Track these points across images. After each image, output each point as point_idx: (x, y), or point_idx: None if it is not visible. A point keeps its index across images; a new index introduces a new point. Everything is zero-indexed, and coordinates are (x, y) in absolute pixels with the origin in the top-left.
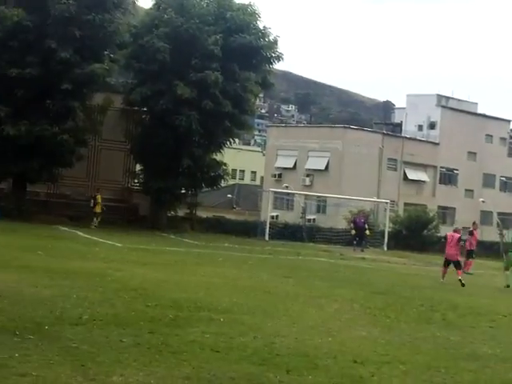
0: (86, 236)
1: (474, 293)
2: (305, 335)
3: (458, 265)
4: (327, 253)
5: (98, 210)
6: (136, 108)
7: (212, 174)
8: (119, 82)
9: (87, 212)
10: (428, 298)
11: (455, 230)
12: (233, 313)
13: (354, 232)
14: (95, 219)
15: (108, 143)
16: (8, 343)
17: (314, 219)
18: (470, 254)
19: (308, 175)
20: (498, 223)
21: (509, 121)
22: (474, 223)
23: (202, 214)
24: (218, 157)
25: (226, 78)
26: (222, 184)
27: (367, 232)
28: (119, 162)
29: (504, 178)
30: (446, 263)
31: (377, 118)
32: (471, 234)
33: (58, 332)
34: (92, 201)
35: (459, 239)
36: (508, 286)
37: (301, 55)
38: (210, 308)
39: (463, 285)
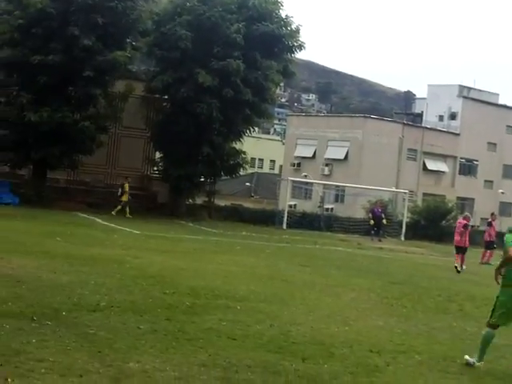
0: (105, 223)
1: (492, 284)
2: (321, 324)
3: (459, 250)
4: (345, 242)
5: (124, 198)
6: (157, 96)
7: (231, 163)
8: (141, 70)
9: (107, 199)
10: (445, 288)
11: (464, 218)
12: (250, 301)
13: (372, 222)
14: (119, 207)
15: (128, 131)
16: (26, 329)
17: (332, 208)
18: (489, 246)
19: (327, 164)
20: None
21: None
22: (492, 214)
23: (221, 202)
24: (237, 145)
25: (247, 67)
26: (241, 172)
27: (384, 222)
28: (139, 149)
29: None
30: (456, 250)
31: (397, 108)
32: (490, 224)
33: (76, 318)
34: (120, 189)
35: (465, 226)
36: None
37: (322, 44)
38: (228, 296)
39: (458, 272)
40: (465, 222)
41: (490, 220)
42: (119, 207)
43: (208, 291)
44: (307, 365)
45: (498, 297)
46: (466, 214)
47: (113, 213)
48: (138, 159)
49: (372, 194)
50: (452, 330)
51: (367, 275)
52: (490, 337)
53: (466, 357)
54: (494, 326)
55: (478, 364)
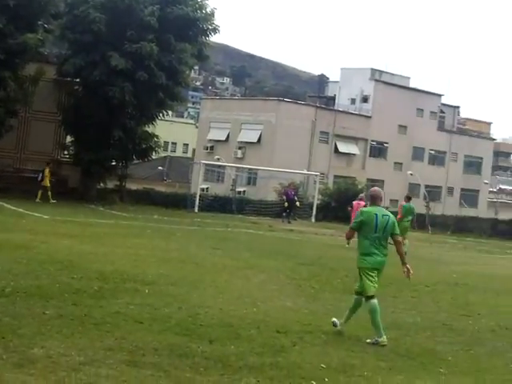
0: (13, 208)
1: (399, 263)
2: (230, 306)
3: None
4: (256, 224)
5: (46, 183)
6: (69, 79)
7: (143, 146)
8: (53, 53)
9: (15, 184)
10: (353, 268)
11: (361, 199)
12: (159, 284)
13: (286, 204)
14: (40, 193)
15: (39, 114)
16: None
17: (244, 191)
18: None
19: (240, 148)
20: (425, 196)
21: (440, 95)
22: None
23: (132, 186)
24: (150, 129)
25: (161, 50)
26: (154, 156)
27: (297, 204)
28: (50, 133)
29: (433, 152)
30: None
31: (311, 91)
32: None
33: None
34: (40, 174)
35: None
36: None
37: (237, 28)
38: (136, 280)
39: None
40: (362, 203)
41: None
42: (40, 192)
43: (117, 275)
44: (214, 346)
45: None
46: (361, 195)
47: (37, 200)
48: (49, 143)
49: (284, 177)
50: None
51: (277, 257)
52: (359, 303)
53: (333, 319)
54: (359, 293)
55: (380, 340)
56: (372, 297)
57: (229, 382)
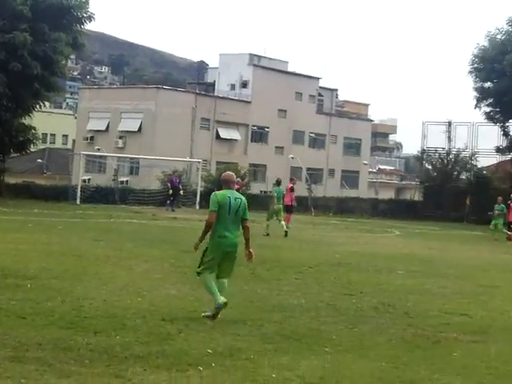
0: None
1: (283, 246)
2: (114, 297)
3: (288, 210)
4: (139, 214)
5: None
6: None
7: (20, 139)
8: None
9: None
10: (238, 253)
11: (291, 181)
12: (41, 278)
13: (170, 192)
14: None
15: None
16: None
17: (127, 181)
18: (289, 209)
19: (121, 137)
20: (306, 178)
21: (318, 78)
22: (292, 179)
23: (11, 180)
24: (27, 121)
25: (35, 39)
26: (32, 149)
27: (181, 192)
28: None
29: (313, 135)
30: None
31: (191, 78)
32: (292, 190)
33: None
34: None
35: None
36: (268, 235)
37: (115, 16)
38: (17, 275)
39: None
40: (291, 184)
41: (291, 185)
42: None
43: None
44: (99, 338)
45: (207, 247)
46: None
47: None
48: None
49: (166, 165)
50: (243, 294)
51: (161, 245)
52: (209, 281)
53: (204, 313)
54: (204, 272)
55: (220, 301)
56: (199, 274)
57: (114, 372)
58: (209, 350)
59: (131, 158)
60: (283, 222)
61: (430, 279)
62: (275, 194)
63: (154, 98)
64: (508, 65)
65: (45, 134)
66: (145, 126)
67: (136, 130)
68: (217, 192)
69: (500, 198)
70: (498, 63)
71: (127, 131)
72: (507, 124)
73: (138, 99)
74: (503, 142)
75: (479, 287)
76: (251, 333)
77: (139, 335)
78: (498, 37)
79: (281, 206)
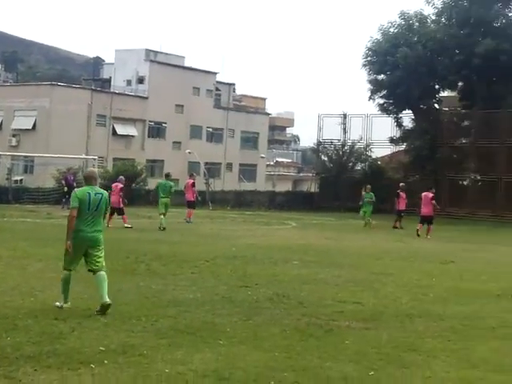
0: None
1: (180, 241)
2: (5, 297)
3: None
4: (34, 213)
5: None
6: None
7: None
8: None
9: None
10: (133, 250)
11: (191, 177)
12: None
13: (66, 189)
14: None
15: None
16: None
17: (21, 180)
18: (191, 205)
19: (14, 135)
20: (204, 173)
21: (215, 73)
22: (191, 175)
23: None
24: None
25: None
26: None
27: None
28: None
29: (210, 129)
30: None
31: (86, 74)
32: (193, 185)
33: None
34: None
35: (192, 184)
36: (164, 229)
37: (5, 12)
38: None
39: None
40: (192, 180)
41: (192, 181)
42: None
43: None
44: None
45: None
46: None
47: None
48: None
49: (61, 163)
50: (139, 290)
51: (55, 244)
52: (67, 279)
53: (56, 303)
54: (68, 269)
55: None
56: (66, 268)
57: (4, 374)
58: (102, 348)
59: (25, 157)
60: (162, 217)
61: (325, 269)
62: (160, 187)
63: (48, 95)
64: (401, 57)
65: None
66: (39, 123)
67: (30, 127)
68: (78, 189)
69: (369, 186)
70: (391, 56)
71: (21, 129)
72: (400, 115)
73: (32, 96)
74: (396, 133)
75: (372, 275)
76: (145, 329)
77: (31, 335)
78: (391, 30)
79: (167, 199)
